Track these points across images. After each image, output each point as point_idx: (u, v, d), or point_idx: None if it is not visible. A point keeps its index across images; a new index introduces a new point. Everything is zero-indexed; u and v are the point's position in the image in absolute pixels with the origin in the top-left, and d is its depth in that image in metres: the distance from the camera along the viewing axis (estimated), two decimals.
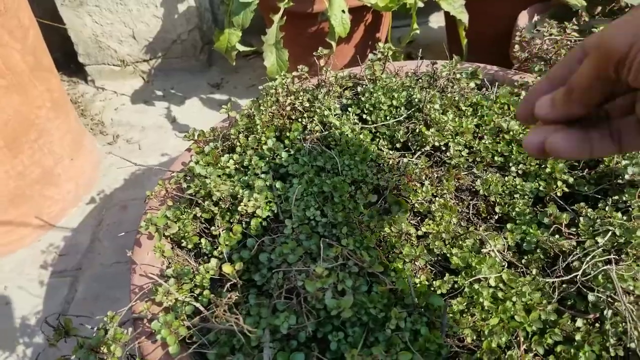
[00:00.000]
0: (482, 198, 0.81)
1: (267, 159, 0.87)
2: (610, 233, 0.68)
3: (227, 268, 0.64)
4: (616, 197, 0.74)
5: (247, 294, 0.69)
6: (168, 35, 1.97)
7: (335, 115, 0.95)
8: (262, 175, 0.84)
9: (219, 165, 0.86)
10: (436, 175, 0.84)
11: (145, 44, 1.99)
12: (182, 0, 1.92)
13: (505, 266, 0.69)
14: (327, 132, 0.89)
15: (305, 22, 1.46)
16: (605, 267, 0.62)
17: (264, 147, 0.88)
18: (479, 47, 1.59)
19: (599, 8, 1.35)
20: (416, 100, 0.94)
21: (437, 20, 2.39)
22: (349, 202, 0.76)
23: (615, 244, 0.67)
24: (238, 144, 0.89)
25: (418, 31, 1.41)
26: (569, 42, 0.95)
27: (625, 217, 0.70)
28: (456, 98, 0.94)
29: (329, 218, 0.73)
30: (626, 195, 0.72)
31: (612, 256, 0.65)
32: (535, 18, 1.42)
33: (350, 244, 0.67)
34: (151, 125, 1.84)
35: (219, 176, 0.85)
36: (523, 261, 0.70)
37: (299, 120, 0.94)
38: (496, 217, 0.79)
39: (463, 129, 0.88)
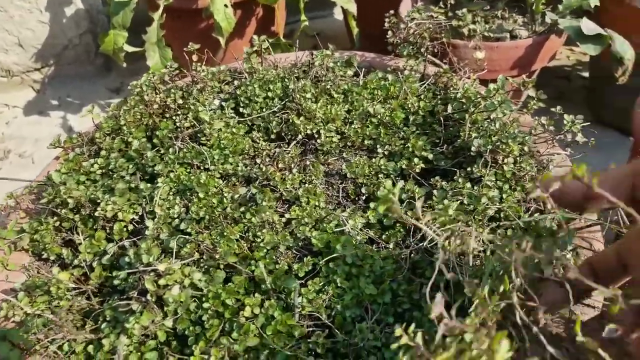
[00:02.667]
0: (350, 181, 0.83)
1: (136, 160, 0.85)
2: (459, 202, 0.71)
3: (63, 275, 0.62)
4: (469, 169, 0.78)
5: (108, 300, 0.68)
6: (58, 40, 1.88)
7: (210, 110, 0.94)
8: (128, 177, 0.82)
9: (82, 171, 0.83)
10: (308, 162, 0.86)
11: (33, 51, 1.89)
12: (69, 4, 1.84)
13: (364, 243, 0.70)
14: (198, 129, 0.88)
15: (192, 18, 1.44)
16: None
17: (132, 148, 0.86)
18: (373, 35, 1.62)
19: None
20: (290, 90, 0.95)
21: (341, 12, 2.42)
22: (214, 197, 0.75)
23: (464, 211, 0.71)
24: (104, 147, 0.87)
25: (307, 23, 1.43)
26: (431, 25, 0.99)
27: (476, 187, 0.74)
28: (328, 86, 0.96)
29: (192, 214, 0.73)
30: (475, 166, 0.76)
31: (459, 224, 0.69)
32: (419, 4, 1.47)
33: (206, 238, 0.66)
34: (46, 136, 1.75)
35: (83, 182, 0.82)
36: (384, 237, 0.72)
37: (173, 118, 0.93)
38: (364, 197, 0.81)
39: (333, 116, 0.90)
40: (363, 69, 1.08)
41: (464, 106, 0.85)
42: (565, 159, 0.80)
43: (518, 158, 0.75)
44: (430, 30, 1.01)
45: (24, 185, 1.46)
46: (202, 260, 0.64)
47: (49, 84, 1.97)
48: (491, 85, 0.80)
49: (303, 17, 1.41)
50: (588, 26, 1.09)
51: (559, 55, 2.02)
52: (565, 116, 0.76)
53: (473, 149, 0.75)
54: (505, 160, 0.73)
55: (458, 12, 1.06)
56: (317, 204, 0.77)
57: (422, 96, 0.94)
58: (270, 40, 1.16)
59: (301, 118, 0.90)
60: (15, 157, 1.67)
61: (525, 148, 0.75)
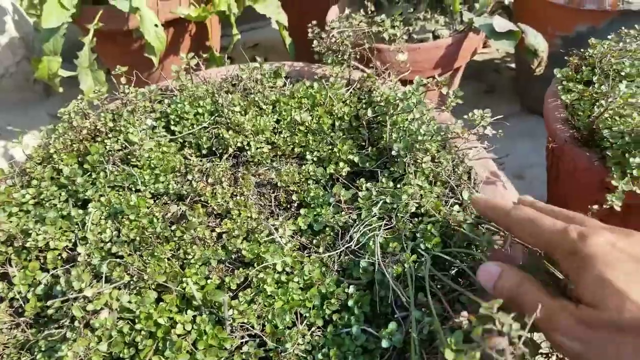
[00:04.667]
0: (282, 189, 0.85)
1: (68, 187, 0.85)
2: (382, 202, 0.75)
3: None
4: (392, 169, 0.82)
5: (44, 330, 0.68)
6: None
7: (142, 130, 0.95)
8: (60, 205, 0.82)
9: (13, 202, 0.83)
10: (240, 175, 0.88)
11: None
12: (3, 32, 1.80)
13: (294, 250, 0.73)
14: (128, 150, 0.89)
15: (125, 40, 1.44)
16: (372, 234, 0.69)
17: (63, 175, 0.86)
18: (307, 45, 1.66)
19: None
20: (219, 105, 0.97)
21: None
22: (144, 217, 0.76)
23: (388, 210, 0.74)
24: (35, 176, 0.86)
25: (239, 36, 1.45)
26: (351, 33, 1.03)
27: (399, 186, 0.78)
28: (257, 98, 0.98)
29: (123, 236, 0.73)
30: (396, 166, 0.80)
31: (383, 222, 0.72)
32: (347, 11, 1.51)
33: (135, 260, 0.67)
34: None
35: (15, 214, 0.82)
36: (314, 242, 0.75)
37: (104, 141, 0.93)
38: (296, 204, 0.84)
39: (262, 127, 0.92)
40: (290, 79, 1.11)
41: (384, 109, 0.89)
42: (480, 151, 0.84)
43: (436, 154, 0.79)
44: (351, 37, 1.05)
45: None
46: (132, 282, 0.65)
47: None
48: (407, 87, 0.84)
49: (235, 30, 1.43)
50: (499, 23, 1.15)
51: (490, 49, 2.11)
52: (475, 111, 0.81)
53: (393, 152, 0.79)
54: (424, 159, 0.77)
55: (377, 18, 1.10)
56: (248, 215, 0.79)
57: (347, 101, 0.98)
58: (204, 56, 1.18)
59: (230, 131, 0.92)
60: None
61: (441, 144, 0.79)
